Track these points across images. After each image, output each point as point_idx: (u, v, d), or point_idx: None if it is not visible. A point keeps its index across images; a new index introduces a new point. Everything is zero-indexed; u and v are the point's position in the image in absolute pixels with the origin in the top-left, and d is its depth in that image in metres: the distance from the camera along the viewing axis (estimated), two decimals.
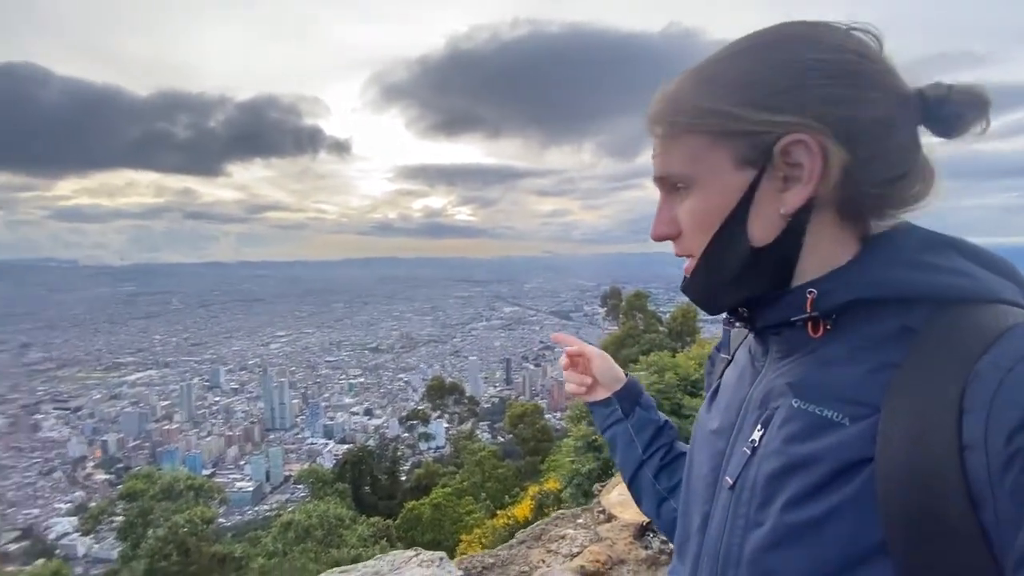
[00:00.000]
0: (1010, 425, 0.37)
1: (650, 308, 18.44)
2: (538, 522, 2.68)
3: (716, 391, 0.71)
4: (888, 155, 0.49)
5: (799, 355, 0.55)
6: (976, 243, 0.53)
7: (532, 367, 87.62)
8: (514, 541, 2.55)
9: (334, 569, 2.03)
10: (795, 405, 0.52)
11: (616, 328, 18.38)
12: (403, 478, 21.20)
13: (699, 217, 0.55)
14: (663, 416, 0.92)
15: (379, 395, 79.08)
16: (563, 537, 2.42)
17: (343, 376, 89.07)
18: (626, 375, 0.94)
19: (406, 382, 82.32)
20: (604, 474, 5.95)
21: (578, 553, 2.23)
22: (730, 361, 0.72)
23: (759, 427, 0.56)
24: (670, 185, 0.57)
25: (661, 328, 17.07)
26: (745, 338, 0.71)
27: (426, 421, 25.22)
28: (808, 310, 0.52)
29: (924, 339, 0.46)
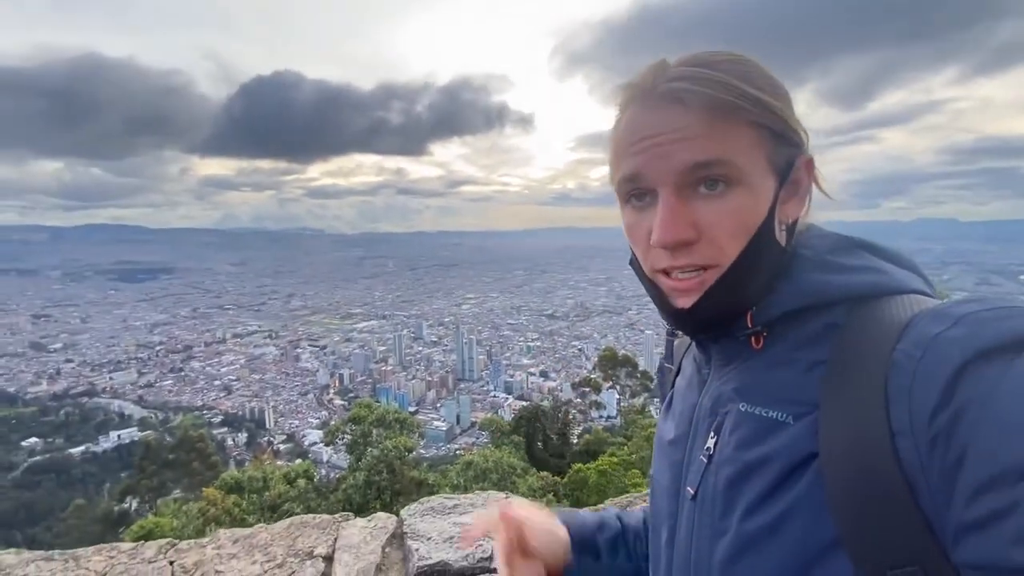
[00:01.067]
0: (928, 408, 0.39)
1: None
2: (626, 495, 2.66)
3: (670, 401, 0.70)
4: None
5: (740, 360, 0.56)
6: (877, 241, 0.55)
7: None
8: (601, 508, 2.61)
9: (441, 494, 2.35)
10: (742, 409, 0.53)
11: None
12: (573, 441, 21.93)
13: (741, 220, 0.50)
14: (606, 521, 0.79)
15: (554, 359, 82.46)
16: None
17: (522, 338, 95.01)
18: (567, 526, 0.74)
19: (580, 350, 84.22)
20: None
21: None
22: (678, 371, 0.71)
23: (712, 434, 0.56)
24: (697, 178, 0.49)
25: None
26: (688, 347, 0.70)
27: (598, 390, 25.49)
28: (749, 325, 0.53)
29: (845, 334, 0.48)
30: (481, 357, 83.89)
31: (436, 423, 57.53)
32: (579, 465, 15.91)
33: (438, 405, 67.49)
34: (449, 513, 2.21)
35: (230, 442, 51.17)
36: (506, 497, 2.43)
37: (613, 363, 25.57)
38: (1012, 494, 0.34)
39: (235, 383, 74.93)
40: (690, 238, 0.50)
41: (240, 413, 63.77)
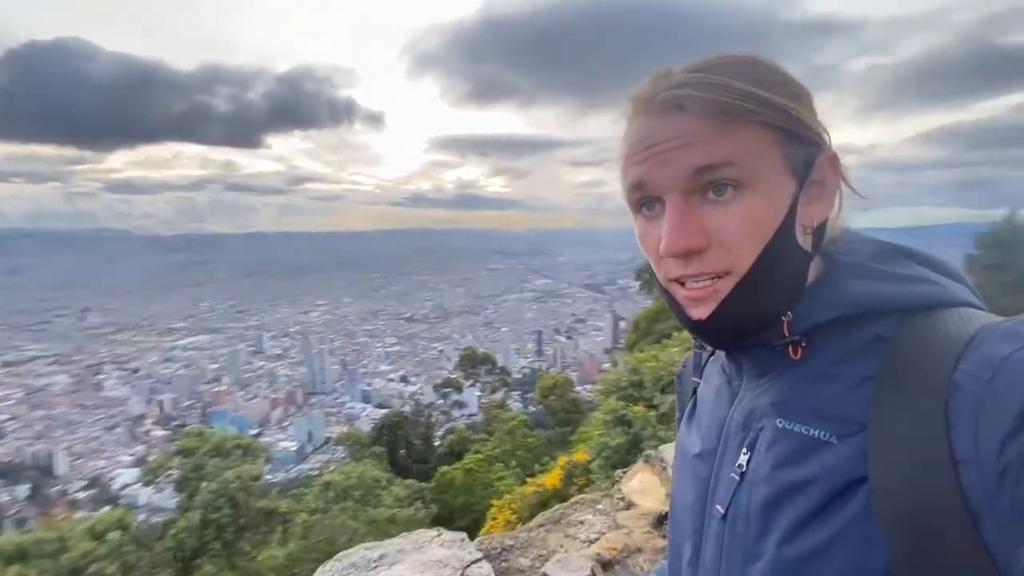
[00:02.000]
0: (999, 437, 0.36)
1: None
2: (557, 506, 2.72)
3: (692, 412, 0.67)
4: None
5: (776, 372, 0.53)
6: (920, 248, 0.53)
7: (564, 339, 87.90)
8: (533, 524, 2.61)
9: (361, 545, 2.13)
10: (780, 425, 0.50)
11: (650, 302, 18.10)
12: (437, 443, 21.82)
13: (755, 224, 0.47)
14: None
15: (414, 363, 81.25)
16: (582, 522, 2.45)
17: (380, 344, 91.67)
18: None
19: (440, 351, 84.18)
20: (633, 448, 5.97)
21: (596, 539, 2.26)
22: (702, 379, 0.69)
23: (744, 450, 0.53)
24: (703, 184, 0.48)
25: None
26: (712, 355, 0.67)
27: (459, 389, 25.71)
28: (786, 333, 0.50)
29: (896, 349, 0.46)
30: (335, 367, 78.88)
31: (284, 444, 52.77)
32: (444, 468, 15.90)
33: (286, 424, 61.85)
34: (375, 567, 1.91)
35: (5, 498, 41.05)
36: (437, 532, 2.18)
37: (473, 362, 26.05)
38: None
39: (8, 424, 59.75)
40: (700, 245, 0.48)
41: (18, 460, 51.43)
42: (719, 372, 0.63)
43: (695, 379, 0.70)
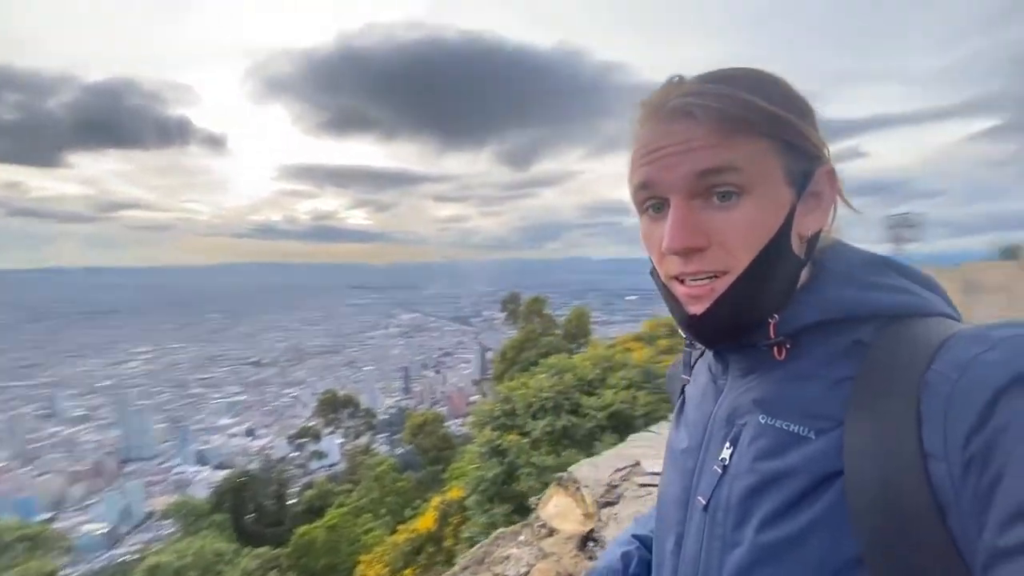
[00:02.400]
0: (965, 432, 0.39)
1: (547, 312, 19.10)
2: (479, 545, 2.62)
3: (681, 409, 0.70)
4: None
5: (762, 372, 0.56)
6: (901, 260, 0.57)
7: (432, 374, 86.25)
8: (457, 569, 2.48)
9: None
10: (763, 421, 0.53)
11: (515, 332, 18.78)
12: (293, 501, 19.71)
13: (753, 228, 0.50)
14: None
15: (262, 413, 72.68)
16: (507, 558, 2.39)
17: (219, 394, 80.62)
18: None
19: (294, 397, 76.75)
20: (509, 479, 6.02)
21: (526, 573, 2.22)
22: (691, 380, 0.71)
23: (728, 445, 0.56)
24: (706, 187, 0.50)
25: (557, 331, 17.74)
26: (702, 355, 0.70)
27: (317, 438, 23.74)
28: (772, 335, 0.53)
29: (874, 353, 0.49)
30: (160, 426, 67.08)
31: (88, 527, 42.84)
32: (303, 528, 14.32)
33: (91, 502, 50.43)
34: None
35: None
36: None
37: (334, 406, 24.30)
38: None
39: None
40: (700, 244, 0.51)
41: None
42: (706, 371, 0.66)
43: (684, 377, 0.72)
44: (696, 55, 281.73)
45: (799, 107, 0.53)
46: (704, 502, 0.56)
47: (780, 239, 0.51)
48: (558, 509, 2.54)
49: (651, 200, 0.55)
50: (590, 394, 6.61)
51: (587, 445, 5.76)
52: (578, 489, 2.65)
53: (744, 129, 0.49)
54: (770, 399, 0.53)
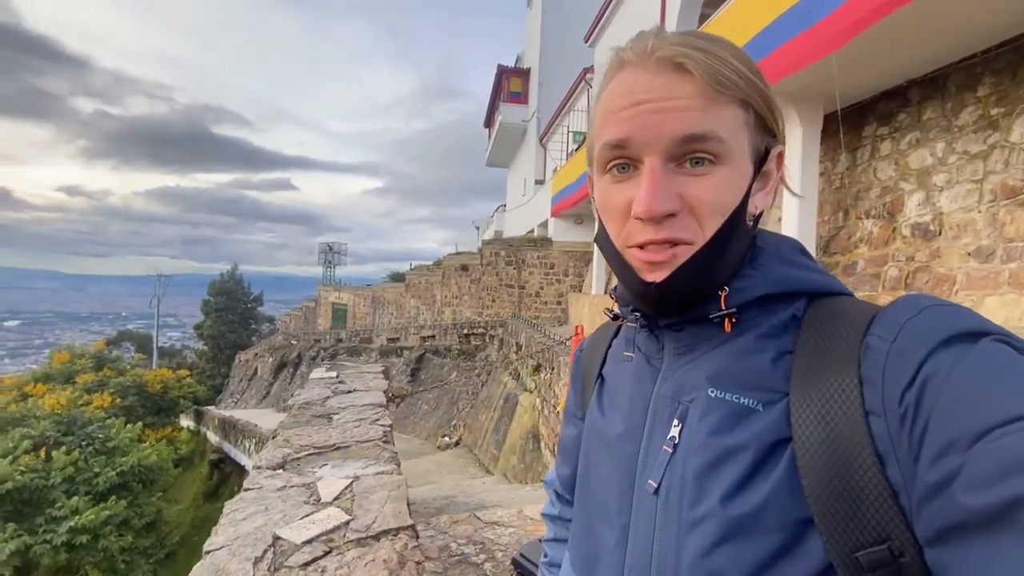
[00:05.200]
0: (900, 388, 0.41)
1: None
2: None
3: (600, 394, 0.67)
4: None
5: (709, 346, 0.55)
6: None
7: None
8: None
9: None
10: (712, 395, 0.52)
11: None
12: None
13: (723, 196, 0.50)
14: None
15: None
16: None
17: None
18: None
19: None
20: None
21: None
22: (603, 363, 0.69)
23: (676, 422, 0.54)
24: (684, 152, 0.49)
25: None
26: (615, 335, 0.69)
27: None
28: (723, 307, 0.53)
29: (812, 324, 0.50)
30: None
31: None
32: None
33: None
34: None
35: None
36: None
37: None
38: (964, 457, 0.36)
39: None
40: (675, 209, 0.49)
41: None
42: (636, 352, 0.63)
43: (628, 353, 0.65)
44: None
45: (765, 82, 0.52)
46: (656, 485, 0.53)
47: (740, 212, 0.51)
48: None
49: (620, 160, 0.51)
50: None
51: None
52: None
53: (729, 95, 0.48)
54: (719, 373, 0.53)
